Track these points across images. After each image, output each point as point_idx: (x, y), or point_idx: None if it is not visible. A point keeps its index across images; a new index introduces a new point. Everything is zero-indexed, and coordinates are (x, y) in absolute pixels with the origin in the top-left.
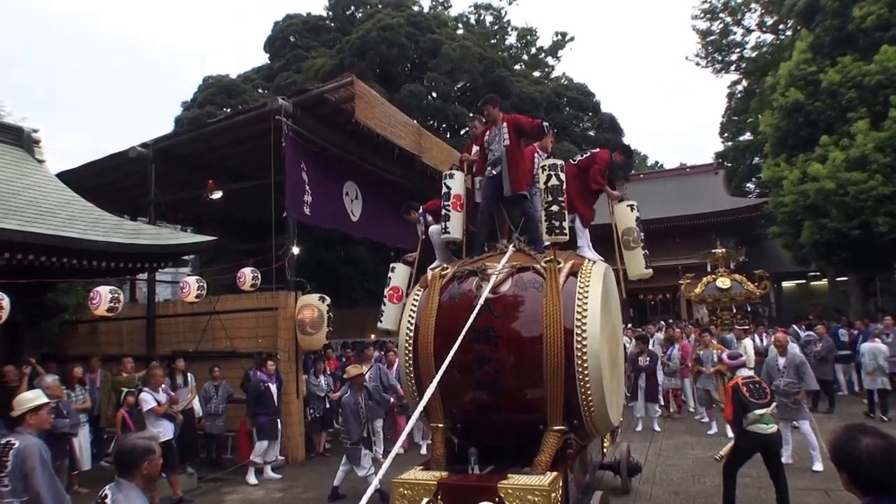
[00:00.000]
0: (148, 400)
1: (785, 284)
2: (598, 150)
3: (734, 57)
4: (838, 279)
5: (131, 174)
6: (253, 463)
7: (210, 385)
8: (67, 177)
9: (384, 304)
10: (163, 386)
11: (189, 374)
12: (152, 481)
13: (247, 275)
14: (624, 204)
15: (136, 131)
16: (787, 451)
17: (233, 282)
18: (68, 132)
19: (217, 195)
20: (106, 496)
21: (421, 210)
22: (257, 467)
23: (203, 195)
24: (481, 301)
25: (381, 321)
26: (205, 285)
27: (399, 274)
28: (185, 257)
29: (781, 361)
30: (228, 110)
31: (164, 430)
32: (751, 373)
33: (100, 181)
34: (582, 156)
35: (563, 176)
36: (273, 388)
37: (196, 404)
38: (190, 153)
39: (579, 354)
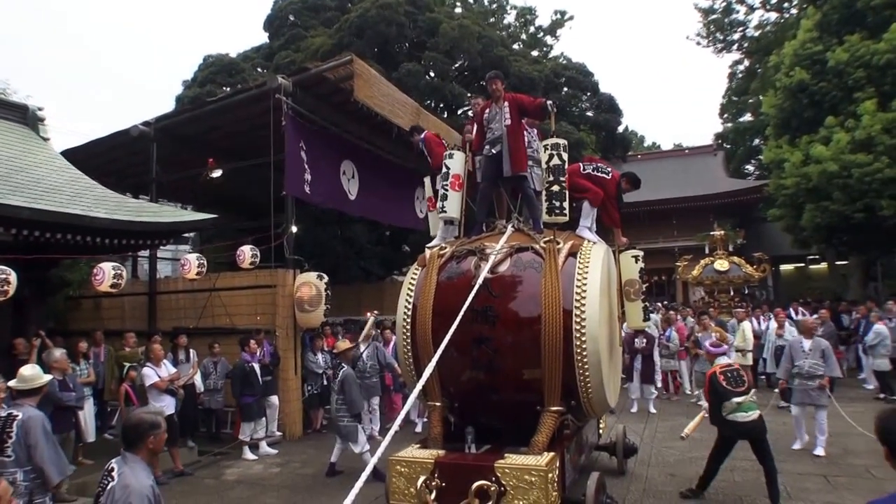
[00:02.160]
0: (150, 375)
1: (783, 268)
2: (609, 171)
3: (736, 36)
4: (838, 262)
5: (134, 153)
6: (243, 442)
7: (209, 361)
8: (72, 155)
9: (448, 193)
10: (165, 361)
11: (191, 350)
12: (157, 455)
13: (246, 252)
14: (629, 254)
15: (140, 111)
16: (803, 437)
17: (232, 259)
18: (72, 112)
19: (217, 174)
20: (112, 469)
21: (421, 140)
22: (251, 444)
23: (203, 174)
24: (480, 280)
25: (444, 210)
26: (205, 262)
27: (457, 161)
28: (186, 235)
29: (807, 344)
30: (228, 89)
31: (166, 405)
32: (731, 360)
33: (103, 159)
34: (592, 169)
35: (565, 156)
36: (257, 367)
37: (197, 379)
38: (191, 132)
39: (578, 336)
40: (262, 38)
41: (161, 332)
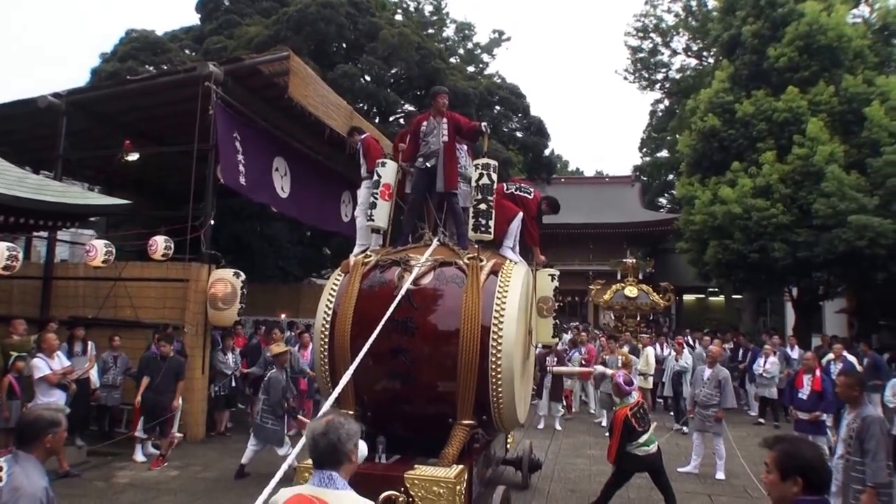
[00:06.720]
0: (41, 367)
1: (686, 297)
2: (531, 191)
3: (660, 76)
4: (734, 297)
5: (39, 125)
6: (138, 439)
7: (109, 355)
8: None
9: (377, 202)
10: (58, 353)
11: (89, 343)
12: (54, 454)
13: (159, 243)
14: (546, 272)
15: (39, 78)
16: (695, 461)
17: (141, 248)
18: None
19: (134, 157)
20: (0, 468)
21: (360, 141)
22: (144, 442)
23: (119, 155)
24: (402, 291)
25: (372, 219)
26: (113, 250)
27: (389, 171)
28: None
29: (707, 373)
30: (152, 68)
31: (56, 400)
32: (636, 397)
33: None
34: (515, 189)
35: (494, 176)
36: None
37: (93, 374)
38: (107, 109)
39: (494, 352)
40: (194, 19)
41: (58, 321)
